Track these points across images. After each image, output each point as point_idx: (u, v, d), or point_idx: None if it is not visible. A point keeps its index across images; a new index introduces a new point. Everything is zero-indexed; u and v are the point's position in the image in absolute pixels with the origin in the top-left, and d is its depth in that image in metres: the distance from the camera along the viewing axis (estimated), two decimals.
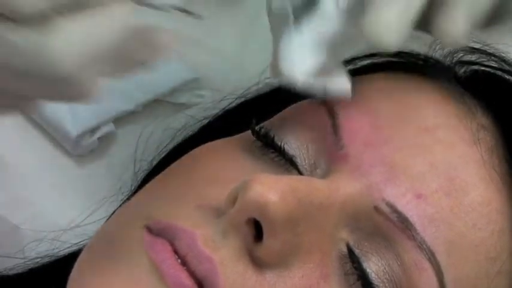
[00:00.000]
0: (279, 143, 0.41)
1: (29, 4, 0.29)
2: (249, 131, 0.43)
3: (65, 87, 0.32)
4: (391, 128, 0.40)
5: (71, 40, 0.31)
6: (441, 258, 0.37)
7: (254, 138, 0.42)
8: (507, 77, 0.45)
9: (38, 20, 0.30)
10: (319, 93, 0.39)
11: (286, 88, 0.54)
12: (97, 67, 0.32)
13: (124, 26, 0.32)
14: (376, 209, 0.37)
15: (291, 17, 0.38)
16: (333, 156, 0.40)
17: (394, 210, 0.37)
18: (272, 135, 0.41)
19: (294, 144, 0.41)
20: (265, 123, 0.43)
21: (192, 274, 0.35)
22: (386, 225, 0.37)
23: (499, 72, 0.46)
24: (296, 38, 0.37)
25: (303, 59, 0.37)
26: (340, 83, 0.39)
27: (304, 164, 0.41)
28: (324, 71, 0.38)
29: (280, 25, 0.38)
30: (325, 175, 0.39)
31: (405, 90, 0.41)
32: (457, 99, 0.42)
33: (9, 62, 0.31)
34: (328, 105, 0.40)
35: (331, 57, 0.38)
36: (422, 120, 0.40)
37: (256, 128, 0.42)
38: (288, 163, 0.41)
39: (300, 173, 0.40)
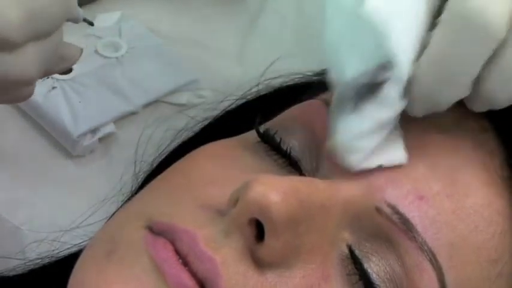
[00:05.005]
0: (285, 148, 0.41)
1: (17, 34, 0.38)
2: (250, 132, 0.43)
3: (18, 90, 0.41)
4: None
5: (32, 57, 0.39)
6: (442, 260, 0.37)
7: (257, 139, 0.42)
8: None
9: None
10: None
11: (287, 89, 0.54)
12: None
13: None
14: (378, 210, 0.37)
15: (353, 102, 0.37)
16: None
17: (396, 211, 0.37)
18: (278, 139, 0.41)
19: (298, 148, 0.41)
20: (269, 125, 0.43)
21: (194, 275, 0.35)
22: (388, 226, 0.37)
23: None
24: (356, 125, 0.37)
25: (360, 148, 0.38)
26: (396, 156, 0.39)
27: (306, 165, 0.41)
28: (379, 149, 0.38)
29: (341, 109, 0.38)
30: (326, 176, 0.39)
31: None
32: (458, 102, 0.42)
33: None
34: (329, 104, 0.40)
35: (388, 139, 0.38)
36: (423, 121, 0.40)
37: (261, 129, 0.42)
38: (291, 165, 0.41)
39: (302, 174, 0.40)
